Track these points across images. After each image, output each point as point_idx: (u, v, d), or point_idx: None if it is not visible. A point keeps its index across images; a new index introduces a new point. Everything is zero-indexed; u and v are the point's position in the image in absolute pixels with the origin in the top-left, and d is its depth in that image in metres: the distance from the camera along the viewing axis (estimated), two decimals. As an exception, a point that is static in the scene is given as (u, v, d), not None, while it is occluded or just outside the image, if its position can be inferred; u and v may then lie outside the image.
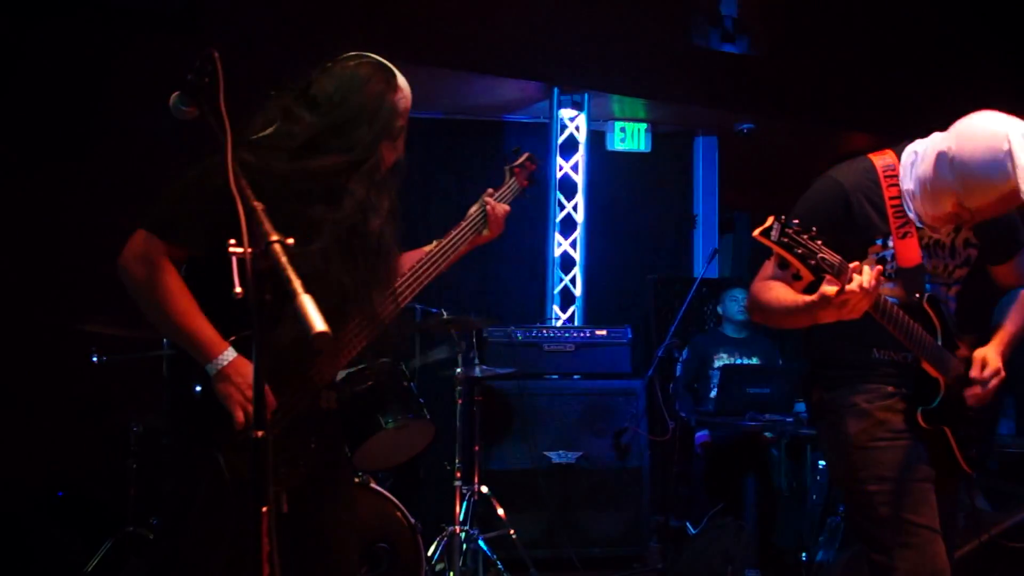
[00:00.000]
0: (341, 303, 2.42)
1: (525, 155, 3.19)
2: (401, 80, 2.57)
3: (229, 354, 2.32)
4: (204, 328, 2.33)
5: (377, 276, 2.52)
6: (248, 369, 2.31)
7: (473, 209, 2.95)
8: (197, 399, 2.35)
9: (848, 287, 2.45)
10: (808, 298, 2.60)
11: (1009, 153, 2.51)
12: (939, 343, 2.76)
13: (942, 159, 2.63)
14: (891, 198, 2.78)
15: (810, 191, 2.86)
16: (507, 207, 3.00)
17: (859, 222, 2.78)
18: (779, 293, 2.77)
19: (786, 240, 2.43)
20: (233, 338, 2.35)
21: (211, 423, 2.32)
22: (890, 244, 2.78)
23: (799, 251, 2.44)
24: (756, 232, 2.46)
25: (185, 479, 2.43)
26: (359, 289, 2.46)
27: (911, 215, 2.78)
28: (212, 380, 2.31)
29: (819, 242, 2.45)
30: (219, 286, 2.31)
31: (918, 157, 2.77)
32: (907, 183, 2.78)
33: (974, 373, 2.79)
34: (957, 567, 2.79)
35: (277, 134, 2.44)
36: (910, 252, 2.76)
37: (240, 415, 2.30)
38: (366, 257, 2.49)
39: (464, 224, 2.93)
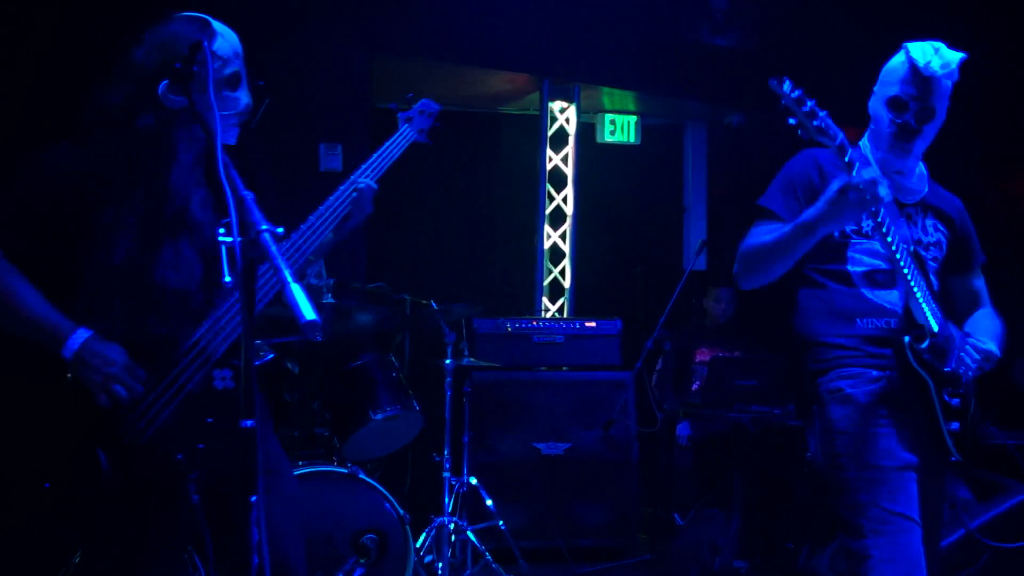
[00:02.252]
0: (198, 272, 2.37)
1: (420, 101, 2.98)
2: (219, 26, 2.48)
3: (81, 334, 2.27)
4: (50, 313, 2.29)
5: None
6: (104, 346, 2.27)
7: (341, 189, 2.68)
8: (68, 387, 2.29)
9: (857, 178, 2.59)
10: (806, 211, 2.71)
11: (908, 44, 2.84)
12: (926, 290, 2.80)
13: (871, 98, 2.95)
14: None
15: (785, 166, 2.97)
16: (373, 188, 2.69)
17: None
18: (771, 229, 2.83)
19: (796, 95, 2.64)
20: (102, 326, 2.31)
21: (88, 414, 2.27)
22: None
23: (805, 108, 2.64)
24: (771, 82, 2.67)
25: (60, 477, 2.31)
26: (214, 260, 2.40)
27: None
28: (71, 365, 2.26)
29: (825, 112, 2.64)
30: (75, 275, 2.30)
31: (867, 133, 3.00)
32: (867, 152, 2.94)
33: (973, 342, 2.86)
34: (942, 558, 2.81)
35: (101, 114, 2.38)
36: (892, 211, 2.83)
37: (104, 396, 2.25)
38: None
39: (323, 209, 2.64)
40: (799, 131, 2.66)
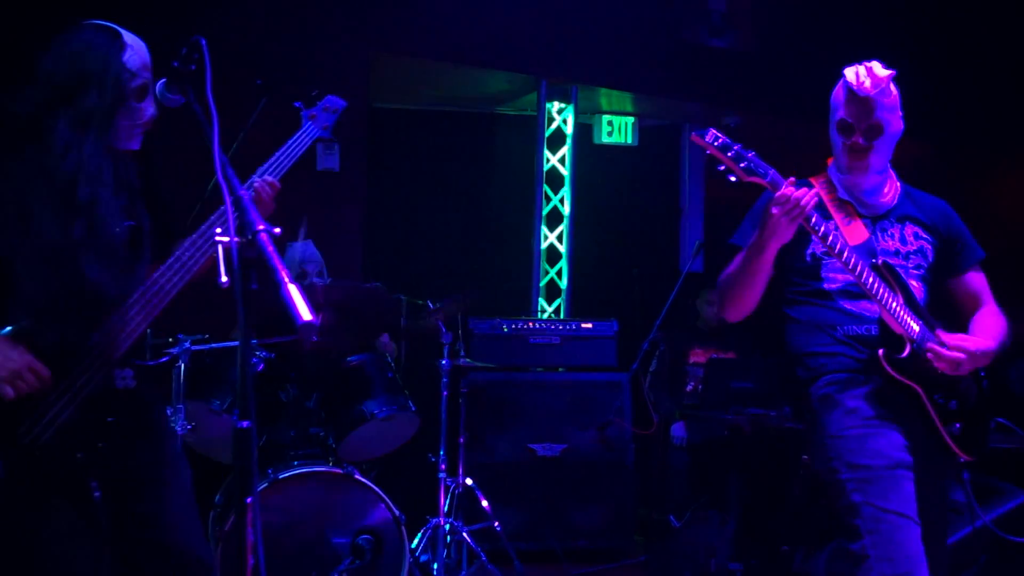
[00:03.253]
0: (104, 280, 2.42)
1: (324, 98, 3.01)
2: (129, 37, 2.52)
3: None
4: None
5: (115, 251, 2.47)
6: (4, 344, 2.30)
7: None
8: None
9: (785, 189, 2.73)
10: (750, 240, 2.88)
11: (845, 69, 2.98)
12: (900, 300, 2.83)
13: None
14: (831, 200, 3.01)
15: (752, 206, 3.12)
16: (275, 186, 2.71)
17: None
18: (733, 264, 2.99)
19: (719, 143, 2.74)
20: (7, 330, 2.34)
21: None
22: (832, 227, 2.86)
23: (730, 153, 2.74)
24: (693, 135, 2.77)
25: None
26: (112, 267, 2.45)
27: (847, 197, 2.99)
28: None
29: (751, 153, 2.75)
30: None
31: None
32: (831, 170, 3.08)
33: (942, 336, 2.86)
34: (948, 555, 2.81)
35: (4, 115, 2.42)
36: (857, 231, 2.93)
37: (8, 391, 2.28)
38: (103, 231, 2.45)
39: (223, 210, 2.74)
40: (729, 175, 2.78)
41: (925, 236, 3.03)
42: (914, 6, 6.80)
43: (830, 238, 2.77)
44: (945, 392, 2.85)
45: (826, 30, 6.87)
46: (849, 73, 2.95)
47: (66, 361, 2.36)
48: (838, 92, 2.99)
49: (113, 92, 2.43)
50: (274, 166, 2.72)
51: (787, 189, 2.72)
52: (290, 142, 2.81)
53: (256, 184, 2.65)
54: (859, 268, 2.80)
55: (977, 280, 3.15)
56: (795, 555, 4.72)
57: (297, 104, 2.98)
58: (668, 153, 7.87)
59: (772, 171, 2.76)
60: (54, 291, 2.35)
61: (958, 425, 2.86)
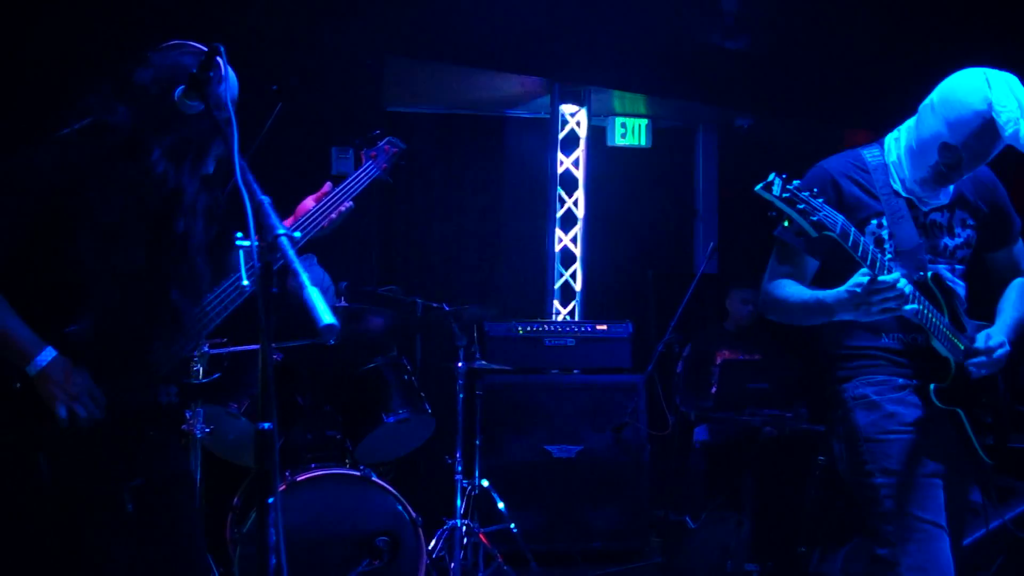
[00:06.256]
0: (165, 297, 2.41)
1: (385, 139, 3.05)
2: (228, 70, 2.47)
3: (48, 354, 2.29)
4: (18, 329, 2.28)
5: (193, 269, 2.47)
6: (69, 366, 2.29)
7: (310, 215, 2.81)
8: (17, 395, 2.30)
9: (883, 278, 2.52)
10: (827, 292, 2.68)
11: (987, 81, 2.64)
12: (946, 320, 2.77)
13: (925, 109, 2.77)
14: (881, 186, 2.84)
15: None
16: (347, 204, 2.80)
17: (849, 202, 2.83)
18: (795, 289, 2.83)
19: (787, 196, 2.49)
20: (70, 329, 2.32)
21: (33, 421, 2.30)
22: (885, 224, 2.80)
23: (800, 207, 2.49)
24: (758, 187, 2.51)
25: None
26: (184, 283, 2.44)
27: (903, 194, 2.83)
28: (34, 381, 2.28)
29: (821, 200, 2.52)
30: (40, 281, 2.31)
31: (902, 129, 2.88)
32: (892, 156, 2.87)
33: (979, 344, 2.80)
34: (963, 556, 2.80)
35: (94, 129, 2.36)
36: (907, 233, 2.80)
37: (64, 412, 2.28)
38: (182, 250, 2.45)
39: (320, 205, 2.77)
40: (799, 239, 2.63)
41: (971, 222, 2.92)
42: (927, 4, 6.78)
43: (877, 266, 2.58)
44: (983, 408, 2.82)
45: (840, 32, 6.85)
46: (1002, 108, 2.59)
47: (118, 377, 2.36)
48: (970, 117, 2.63)
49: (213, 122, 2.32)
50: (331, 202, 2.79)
51: (894, 279, 2.50)
52: (349, 181, 2.85)
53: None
54: (908, 291, 2.62)
55: (1018, 249, 3.05)
56: (811, 556, 4.71)
57: (357, 142, 3.02)
58: (682, 155, 7.86)
59: (841, 219, 2.52)
60: (127, 311, 2.34)
61: (991, 437, 2.83)
